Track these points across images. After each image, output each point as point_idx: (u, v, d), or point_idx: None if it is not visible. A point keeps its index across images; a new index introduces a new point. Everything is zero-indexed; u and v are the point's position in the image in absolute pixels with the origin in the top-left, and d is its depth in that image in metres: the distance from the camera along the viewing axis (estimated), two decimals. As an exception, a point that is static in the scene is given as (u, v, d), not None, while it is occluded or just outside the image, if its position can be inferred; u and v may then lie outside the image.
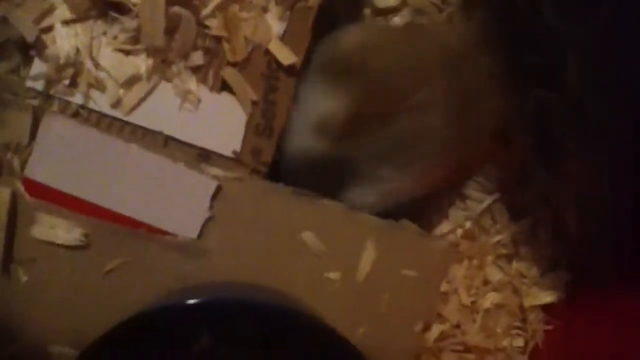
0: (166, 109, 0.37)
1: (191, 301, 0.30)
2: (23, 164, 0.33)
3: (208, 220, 0.34)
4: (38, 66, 0.35)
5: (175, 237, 0.34)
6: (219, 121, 0.38)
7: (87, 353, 0.30)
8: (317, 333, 0.31)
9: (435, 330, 0.49)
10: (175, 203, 0.34)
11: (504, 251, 0.50)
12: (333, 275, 0.34)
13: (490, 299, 0.50)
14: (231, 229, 0.34)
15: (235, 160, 0.36)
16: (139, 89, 0.37)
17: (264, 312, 0.31)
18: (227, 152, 0.37)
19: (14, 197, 0.32)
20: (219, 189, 0.34)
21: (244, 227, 0.34)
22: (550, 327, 0.50)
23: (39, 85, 0.35)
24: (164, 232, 0.34)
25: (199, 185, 0.34)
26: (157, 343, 0.31)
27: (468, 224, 0.50)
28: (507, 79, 0.47)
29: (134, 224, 0.33)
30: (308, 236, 0.34)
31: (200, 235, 0.34)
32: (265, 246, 0.34)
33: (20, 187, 0.32)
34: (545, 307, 0.50)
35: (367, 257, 0.34)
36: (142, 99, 0.37)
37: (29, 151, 0.33)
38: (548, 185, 0.50)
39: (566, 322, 0.49)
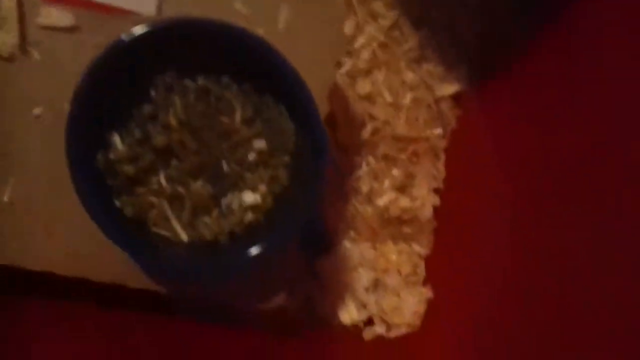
0: None
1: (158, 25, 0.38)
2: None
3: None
4: None
5: (141, 15, 0.41)
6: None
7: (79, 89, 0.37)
8: (266, 52, 0.39)
9: (369, 127, 0.58)
10: None
11: (413, 56, 0.59)
12: (260, 30, 0.42)
13: (409, 97, 0.59)
14: (179, 5, 0.41)
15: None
16: None
17: (222, 31, 0.38)
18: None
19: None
20: None
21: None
22: (460, 113, 0.60)
23: None
24: (134, 13, 0.41)
25: None
26: (132, 70, 0.38)
27: (381, 37, 0.58)
28: None
29: (107, 9, 0.40)
30: (238, 5, 0.42)
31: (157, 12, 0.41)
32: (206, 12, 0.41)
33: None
34: (455, 98, 0.60)
35: (283, 14, 0.42)
36: None
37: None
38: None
39: (471, 108, 0.60)
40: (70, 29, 0.39)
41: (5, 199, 0.40)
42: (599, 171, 0.39)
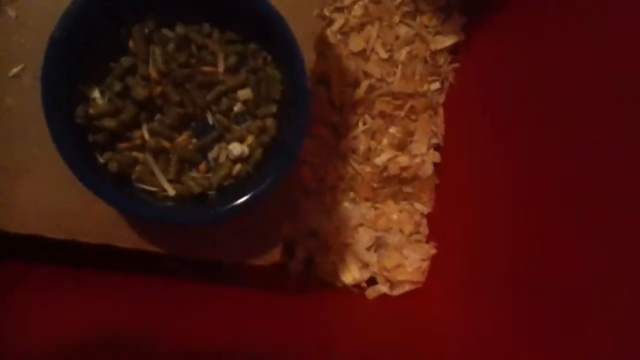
0: None
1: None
2: None
3: None
4: None
5: None
6: None
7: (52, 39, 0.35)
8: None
9: (364, 84, 0.56)
10: None
11: (407, 9, 0.57)
12: None
13: (404, 52, 0.57)
14: None
15: None
16: None
17: None
18: None
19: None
20: None
21: None
22: (457, 65, 0.58)
23: None
24: None
25: None
26: (109, 21, 0.37)
27: (373, -10, 0.57)
28: None
29: None
30: None
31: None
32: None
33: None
34: (451, 50, 0.58)
35: None
36: None
37: None
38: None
39: (468, 59, 0.58)
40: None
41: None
42: (599, 119, 0.38)
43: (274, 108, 0.41)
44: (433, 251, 0.56)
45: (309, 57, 0.42)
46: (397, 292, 0.54)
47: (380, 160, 0.56)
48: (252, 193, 0.38)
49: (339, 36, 0.56)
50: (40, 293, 0.42)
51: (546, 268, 0.40)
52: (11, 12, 0.39)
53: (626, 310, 0.33)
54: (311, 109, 0.38)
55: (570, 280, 0.38)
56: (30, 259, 0.42)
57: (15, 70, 0.39)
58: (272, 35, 0.39)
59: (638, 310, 0.32)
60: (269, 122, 0.41)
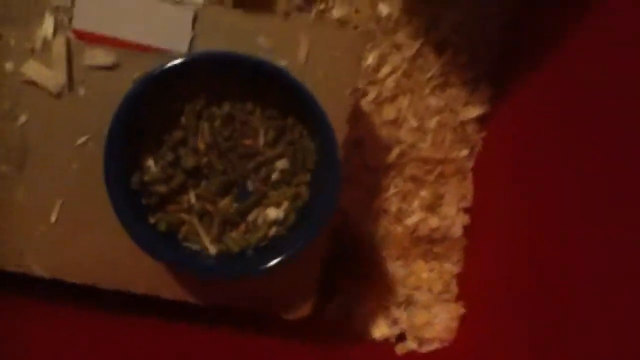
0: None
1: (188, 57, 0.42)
2: (70, 19, 0.44)
3: (192, 39, 0.45)
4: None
5: (174, 51, 0.45)
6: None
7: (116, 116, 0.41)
8: (286, 81, 0.42)
9: (396, 150, 0.60)
10: (169, 30, 0.45)
11: (436, 82, 0.61)
12: (283, 62, 0.45)
13: (434, 121, 0.61)
14: (208, 43, 0.45)
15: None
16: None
17: (245, 63, 0.42)
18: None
19: (68, 41, 0.44)
20: (195, 16, 0.45)
21: (218, 37, 0.46)
22: (484, 134, 0.62)
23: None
24: (167, 50, 0.45)
25: (184, 15, 0.45)
26: (165, 99, 0.43)
27: (405, 65, 0.61)
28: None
29: (144, 48, 0.44)
30: (261, 40, 0.45)
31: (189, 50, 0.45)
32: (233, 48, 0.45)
33: (71, 34, 0.44)
34: (479, 120, 0.62)
35: (303, 46, 0.46)
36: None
37: (72, 10, 0.44)
38: (457, 21, 0.62)
39: (496, 127, 0.61)
40: (112, 67, 0.44)
41: (53, 219, 0.45)
42: (625, 188, 0.40)
43: (307, 176, 0.45)
44: (462, 310, 0.58)
45: (341, 129, 0.46)
46: (425, 349, 0.56)
47: (411, 221, 0.60)
48: (284, 254, 0.42)
49: (372, 106, 0.61)
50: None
51: (574, 327, 0.42)
52: (81, 91, 0.44)
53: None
54: (342, 179, 0.43)
55: (602, 341, 0.39)
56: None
57: (81, 140, 0.45)
58: (307, 112, 0.43)
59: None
60: (303, 189, 0.45)
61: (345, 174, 0.59)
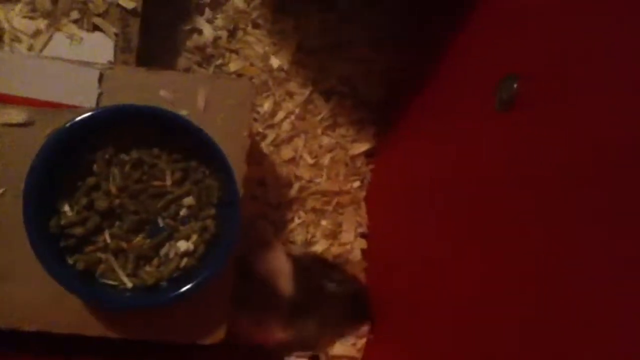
0: (62, 46, 0.54)
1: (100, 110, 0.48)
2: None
3: (100, 95, 0.50)
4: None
5: (84, 107, 0.50)
6: (96, 48, 0.55)
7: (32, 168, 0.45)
8: (187, 127, 0.48)
9: (296, 186, 0.67)
10: (78, 88, 0.50)
11: (327, 123, 0.69)
12: (184, 112, 0.51)
13: (327, 157, 0.68)
14: (115, 98, 0.51)
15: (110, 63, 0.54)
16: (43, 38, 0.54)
17: (149, 114, 0.47)
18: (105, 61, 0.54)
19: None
20: (101, 75, 0.50)
21: (124, 92, 0.51)
22: (373, 167, 0.69)
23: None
24: (76, 106, 0.50)
25: (90, 74, 0.50)
26: (77, 150, 0.47)
27: (298, 110, 0.68)
28: None
29: (55, 105, 0.49)
30: (163, 92, 0.51)
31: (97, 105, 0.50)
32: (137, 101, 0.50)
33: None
34: (367, 154, 0.70)
35: (201, 97, 0.52)
36: (45, 43, 0.54)
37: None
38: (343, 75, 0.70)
39: (381, 160, 0.69)
40: (25, 124, 0.48)
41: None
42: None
43: (212, 211, 0.50)
44: (366, 327, 0.64)
45: (241, 167, 0.52)
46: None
47: (316, 249, 0.66)
48: (196, 281, 0.47)
49: (272, 147, 0.67)
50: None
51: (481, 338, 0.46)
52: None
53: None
54: (241, 211, 0.48)
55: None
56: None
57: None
58: (209, 154, 0.49)
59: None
60: (209, 222, 0.50)
61: (252, 210, 0.65)
